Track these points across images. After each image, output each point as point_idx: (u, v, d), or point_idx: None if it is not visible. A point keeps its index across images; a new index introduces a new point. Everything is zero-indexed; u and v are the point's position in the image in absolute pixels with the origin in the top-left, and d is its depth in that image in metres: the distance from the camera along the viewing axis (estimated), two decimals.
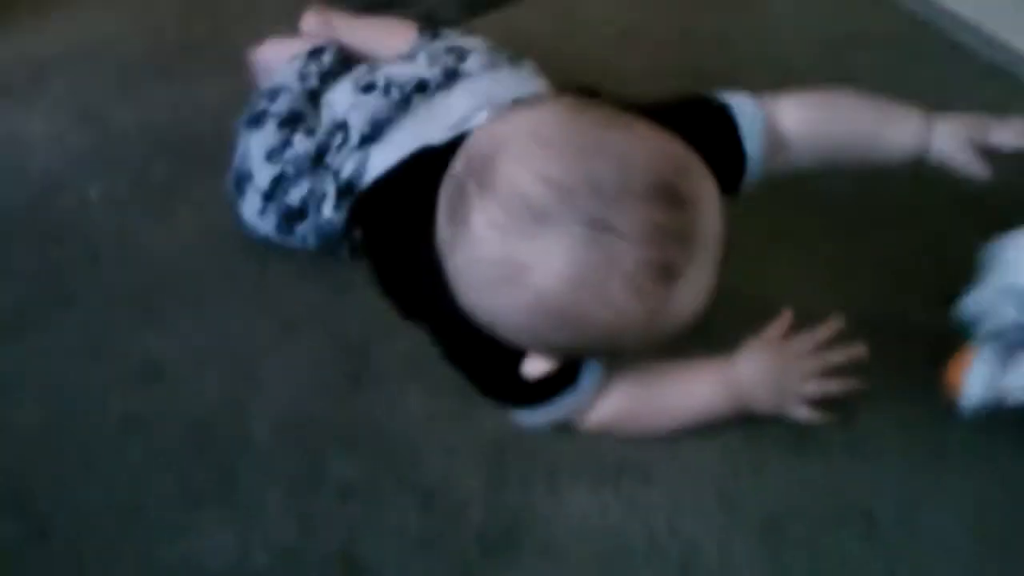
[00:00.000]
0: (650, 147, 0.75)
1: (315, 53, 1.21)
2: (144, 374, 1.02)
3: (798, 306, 0.93)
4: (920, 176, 0.98)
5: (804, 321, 0.92)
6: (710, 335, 0.85)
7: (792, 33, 1.34)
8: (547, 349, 0.82)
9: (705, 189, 0.76)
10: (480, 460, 0.92)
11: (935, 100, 1.22)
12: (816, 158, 0.97)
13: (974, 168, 0.93)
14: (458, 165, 0.78)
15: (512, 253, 0.73)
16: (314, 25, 1.32)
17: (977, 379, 0.87)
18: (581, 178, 0.72)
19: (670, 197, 0.73)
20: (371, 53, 1.25)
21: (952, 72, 1.27)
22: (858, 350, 0.89)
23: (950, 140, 0.94)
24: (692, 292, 0.76)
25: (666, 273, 0.73)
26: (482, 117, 0.98)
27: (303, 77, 1.17)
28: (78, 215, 1.20)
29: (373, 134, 1.04)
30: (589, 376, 0.89)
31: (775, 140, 0.94)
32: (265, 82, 1.20)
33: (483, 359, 0.89)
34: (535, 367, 0.83)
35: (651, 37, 1.38)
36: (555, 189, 0.72)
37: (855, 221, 1.09)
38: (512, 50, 1.14)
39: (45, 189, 1.24)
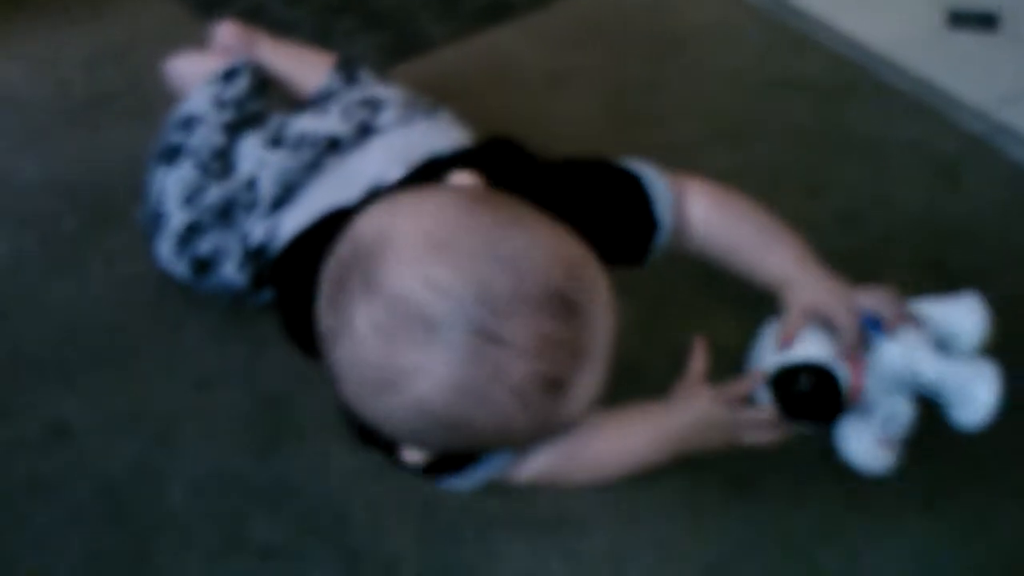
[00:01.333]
0: (546, 251, 0.70)
1: (230, 75, 1.16)
2: (52, 435, 0.96)
3: (737, 351, 0.90)
4: (849, 221, 0.97)
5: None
6: (644, 382, 0.82)
7: (720, 78, 1.34)
8: (431, 447, 0.76)
9: (599, 294, 0.71)
10: (409, 517, 0.88)
11: (863, 137, 1.23)
12: (701, 252, 0.94)
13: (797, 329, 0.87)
14: (342, 250, 0.73)
15: (395, 358, 0.68)
16: (231, 37, 1.25)
17: (856, 452, 0.86)
18: (471, 285, 0.67)
19: (562, 307, 0.69)
20: (285, 80, 1.22)
21: (879, 110, 1.27)
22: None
23: (804, 295, 0.87)
24: (581, 397, 0.72)
25: (554, 385, 0.69)
26: (395, 174, 0.95)
27: (220, 105, 1.13)
28: None
29: (284, 197, 1.01)
30: None
31: (679, 217, 0.92)
32: (178, 104, 1.15)
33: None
34: (414, 455, 0.77)
35: (581, 82, 1.37)
36: (443, 296, 0.67)
37: None
38: (435, 97, 1.12)
39: None
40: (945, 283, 1.00)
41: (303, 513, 0.89)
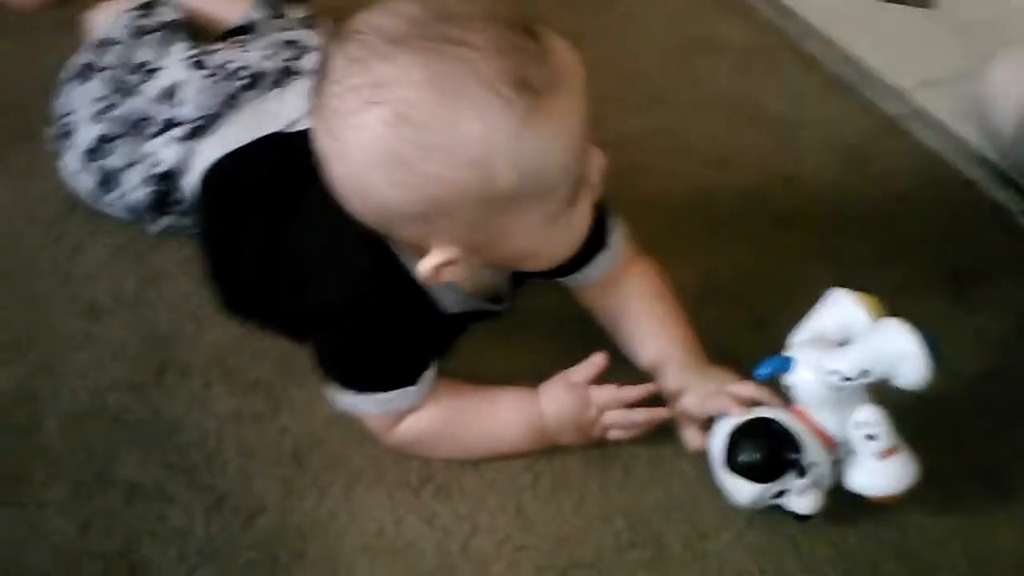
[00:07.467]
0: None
1: (148, 6, 1.15)
2: None
3: None
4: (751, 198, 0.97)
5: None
6: None
7: (640, 36, 1.33)
8: (424, 207, 0.77)
9: (559, 41, 0.78)
10: (279, 465, 0.89)
11: (778, 110, 1.23)
12: (612, 310, 0.96)
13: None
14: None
15: (371, 76, 0.75)
16: None
17: (869, 481, 0.83)
18: (434, 11, 0.75)
19: (522, 27, 0.76)
20: (206, 15, 1.20)
21: (797, 82, 1.27)
22: (651, 387, 0.89)
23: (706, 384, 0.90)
24: (558, 128, 0.76)
25: (525, 85, 0.74)
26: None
27: (135, 32, 1.12)
28: None
29: (202, 128, 1.01)
30: (423, 383, 0.88)
31: (619, 268, 0.96)
32: (93, 36, 1.15)
33: (348, 334, 0.87)
34: (428, 261, 0.81)
35: None
36: (408, 20, 0.75)
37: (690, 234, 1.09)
38: None
39: None
40: (837, 268, 1.01)
41: (175, 452, 0.90)
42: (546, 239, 0.82)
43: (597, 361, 0.88)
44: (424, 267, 0.81)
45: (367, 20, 0.76)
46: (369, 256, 0.84)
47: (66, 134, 1.08)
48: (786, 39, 1.32)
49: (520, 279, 0.94)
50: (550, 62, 0.76)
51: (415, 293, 0.86)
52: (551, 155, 0.77)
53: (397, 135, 0.74)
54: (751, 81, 1.27)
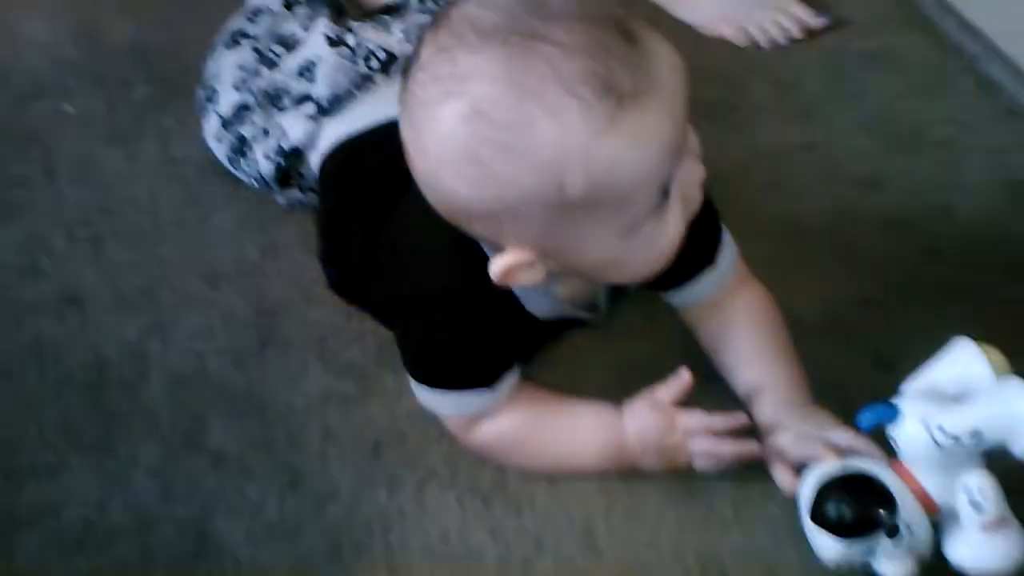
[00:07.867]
0: None
1: None
2: (65, 303, 1.01)
3: None
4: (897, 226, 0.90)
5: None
6: None
7: (810, 45, 1.25)
8: (493, 206, 0.75)
9: (662, 44, 0.74)
10: (358, 453, 0.89)
11: (944, 134, 1.14)
12: (716, 337, 0.91)
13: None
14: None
15: (455, 67, 0.73)
16: None
17: (973, 555, 0.76)
18: (530, 5, 0.73)
19: (619, 28, 0.72)
20: None
21: (970, 107, 1.17)
22: (743, 418, 0.83)
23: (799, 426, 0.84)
24: (640, 138, 0.72)
25: (608, 89, 0.70)
26: None
27: (285, 2, 1.13)
28: (49, 126, 1.19)
29: (330, 108, 1.02)
30: (501, 388, 0.85)
31: (730, 290, 0.91)
32: (249, 3, 1.17)
33: (432, 327, 0.85)
34: (500, 261, 0.78)
35: None
36: (501, 12, 0.73)
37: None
38: None
39: (24, 95, 1.24)
40: (978, 312, 0.94)
41: (262, 426, 0.91)
42: (625, 251, 0.78)
43: (684, 377, 0.83)
44: (496, 267, 0.79)
45: (463, 9, 0.75)
46: (459, 252, 0.82)
47: (210, 98, 1.11)
48: (966, 60, 1.22)
49: (619, 289, 0.91)
50: (643, 66, 0.72)
51: (502, 293, 0.84)
52: (629, 165, 0.72)
53: (470, 131, 0.72)
54: (919, 101, 1.18)
